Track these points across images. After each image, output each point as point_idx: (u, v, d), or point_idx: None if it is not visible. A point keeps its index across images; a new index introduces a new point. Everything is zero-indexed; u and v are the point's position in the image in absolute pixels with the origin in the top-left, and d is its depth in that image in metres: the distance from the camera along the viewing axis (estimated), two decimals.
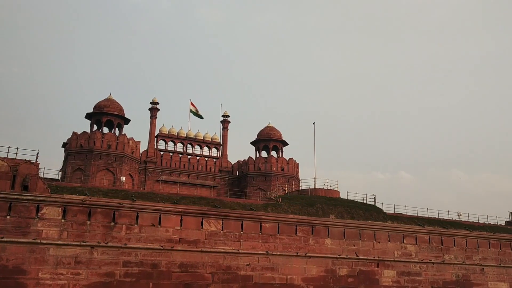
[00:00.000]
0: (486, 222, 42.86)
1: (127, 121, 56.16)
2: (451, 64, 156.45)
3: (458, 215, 42.59)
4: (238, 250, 29.78)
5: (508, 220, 46.09)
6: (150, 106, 60.47)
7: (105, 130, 55.07)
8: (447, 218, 40.82)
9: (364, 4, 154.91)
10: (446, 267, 36.54)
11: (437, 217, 40.47)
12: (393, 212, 38.45)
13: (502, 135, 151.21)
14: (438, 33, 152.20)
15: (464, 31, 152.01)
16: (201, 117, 63.57)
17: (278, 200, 34.79)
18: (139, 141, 56.75)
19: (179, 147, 63.04)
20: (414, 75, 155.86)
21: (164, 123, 62.95)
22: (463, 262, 37.41)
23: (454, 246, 37.64)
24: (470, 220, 42.01)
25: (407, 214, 38.86)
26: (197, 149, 63.95)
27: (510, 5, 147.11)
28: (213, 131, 65.42)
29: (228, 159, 63.62)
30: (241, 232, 30.33)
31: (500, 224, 44.38)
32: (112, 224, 27.58)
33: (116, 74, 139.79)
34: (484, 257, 38.65)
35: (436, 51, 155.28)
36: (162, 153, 60.16)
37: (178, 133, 63.08)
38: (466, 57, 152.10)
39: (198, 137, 63.98)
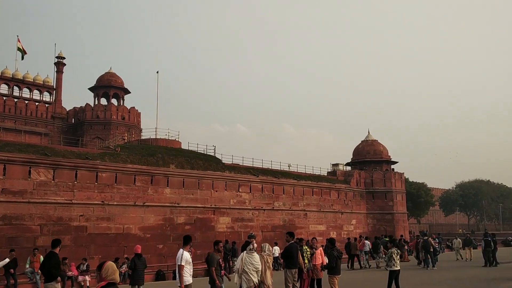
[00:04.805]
0: (312, 173, 47.38)
1: None
2: (284, 25, 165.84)
3: (289, 166, 46.11)
4: (71, 201, 28.22)
5: (329, 171, 51.68)
6: None
7: None
8: (279, 169, 43.98)
9: None
10: (275, 213, 39.86)
11: (270, 167, 43.36)
12: (231, 162, 40.07)
13: (327, 94, 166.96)
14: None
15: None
16: (23, 52, 56.35)
17: (116, 149, 33.53)
18: None
19: (4, 89, 56.06)
20: (260, 33, 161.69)
21: None
22: (290, 208, 41.22)
23: (283, 194, 41.11)
24: (298, 171, 45.89)
25: (244, 164, 40.84)
26: (25, 92, 57.61)
27: None
28: (46, 74, 59.53)
29: (62, 105, 58.78)
30: (75, 182, 28.71)
31: (323, 175, 49.53)
32: None
33: None
34: (308, 203, 43.09)
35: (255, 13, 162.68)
36: None
37: (2, 73, 55.87)
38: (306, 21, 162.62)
39: (27, 79, 57.55)
